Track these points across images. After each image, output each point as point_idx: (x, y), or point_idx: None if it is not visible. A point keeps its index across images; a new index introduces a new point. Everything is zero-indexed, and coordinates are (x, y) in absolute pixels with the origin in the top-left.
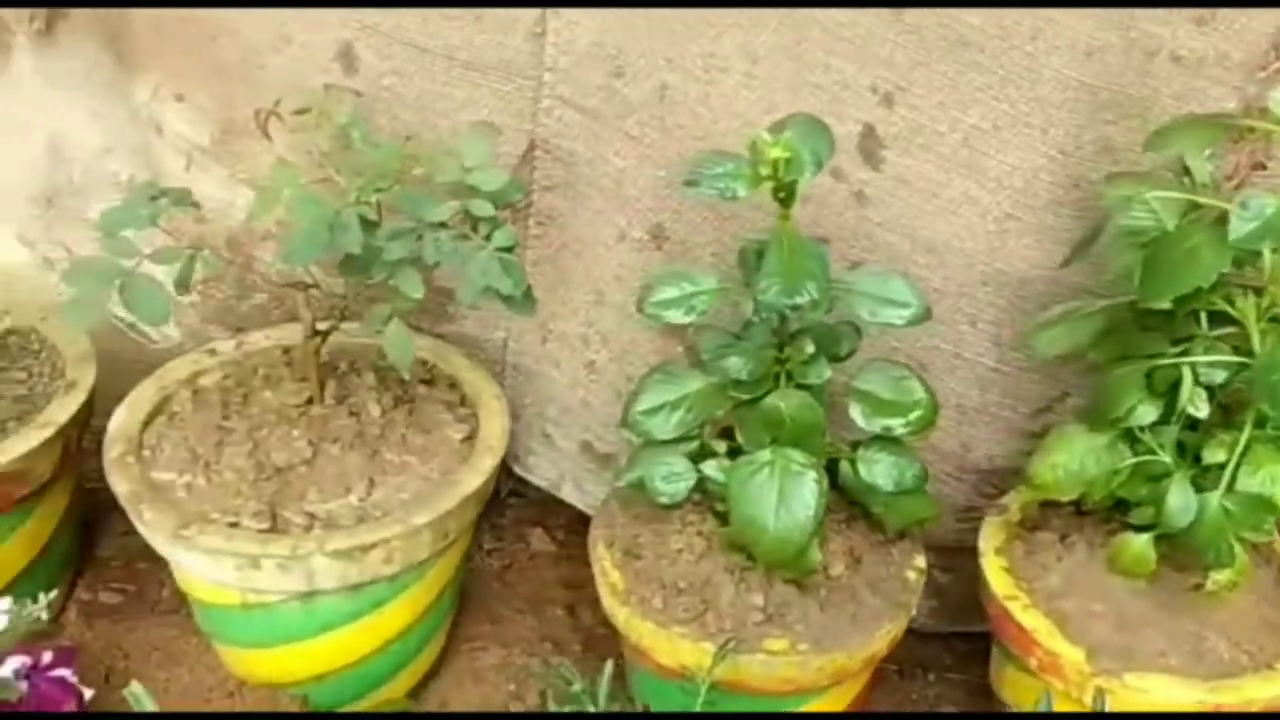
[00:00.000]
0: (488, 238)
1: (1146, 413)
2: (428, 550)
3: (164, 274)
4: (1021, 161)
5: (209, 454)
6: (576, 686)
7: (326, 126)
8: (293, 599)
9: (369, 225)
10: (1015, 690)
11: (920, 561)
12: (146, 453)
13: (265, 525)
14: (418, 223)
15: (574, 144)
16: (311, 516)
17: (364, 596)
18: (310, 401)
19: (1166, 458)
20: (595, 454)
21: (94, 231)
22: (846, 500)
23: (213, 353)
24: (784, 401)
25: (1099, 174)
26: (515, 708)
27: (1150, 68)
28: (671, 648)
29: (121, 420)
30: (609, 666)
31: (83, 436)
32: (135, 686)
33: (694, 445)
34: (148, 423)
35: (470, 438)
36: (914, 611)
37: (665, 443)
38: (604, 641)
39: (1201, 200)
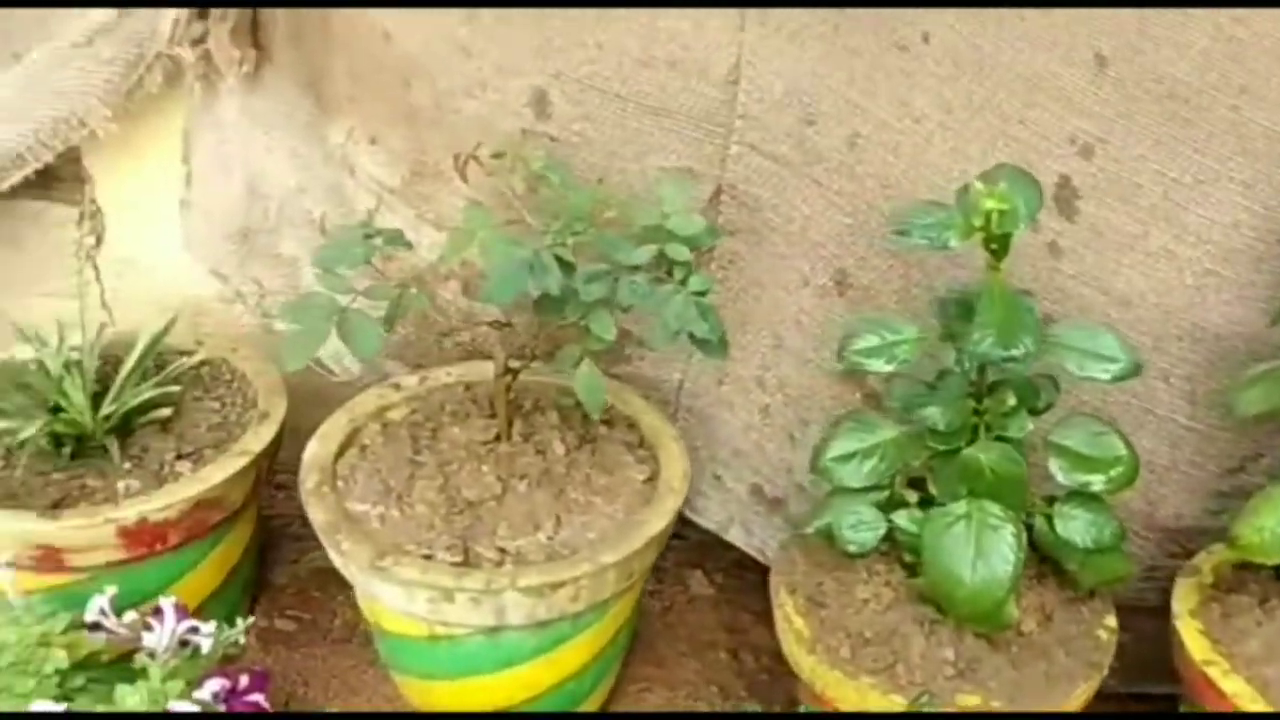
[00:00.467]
0: (683, 282)
1: None
2: (611, 590)
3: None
4: (1223, 216)
5: (401, 487)
6: None
7: (521, 170)
8: (480, 633)
9: (566, 267)
10: None
11: (1111, 621)
12: (340, 484)
13: (458, 559)
14: (613, 266)
15: (760, 190)
16: (502, 552)
17: (548, 633)
18: (498, 438)
19: None
20: (765, 498)
21: (285, 268)
22: (1037, 556)
23: (397, 387)
24: (984, 454)
25: None
26: None
27: None
28: (860, 698)
29: (315, 451)
30: None
31: (272, 466)
32: None
33: (884, 494)
34: (339, 454)
35: (652, 479)
36: (1105, 671)
37: (854, 491)
38: (768, 687)
39: None
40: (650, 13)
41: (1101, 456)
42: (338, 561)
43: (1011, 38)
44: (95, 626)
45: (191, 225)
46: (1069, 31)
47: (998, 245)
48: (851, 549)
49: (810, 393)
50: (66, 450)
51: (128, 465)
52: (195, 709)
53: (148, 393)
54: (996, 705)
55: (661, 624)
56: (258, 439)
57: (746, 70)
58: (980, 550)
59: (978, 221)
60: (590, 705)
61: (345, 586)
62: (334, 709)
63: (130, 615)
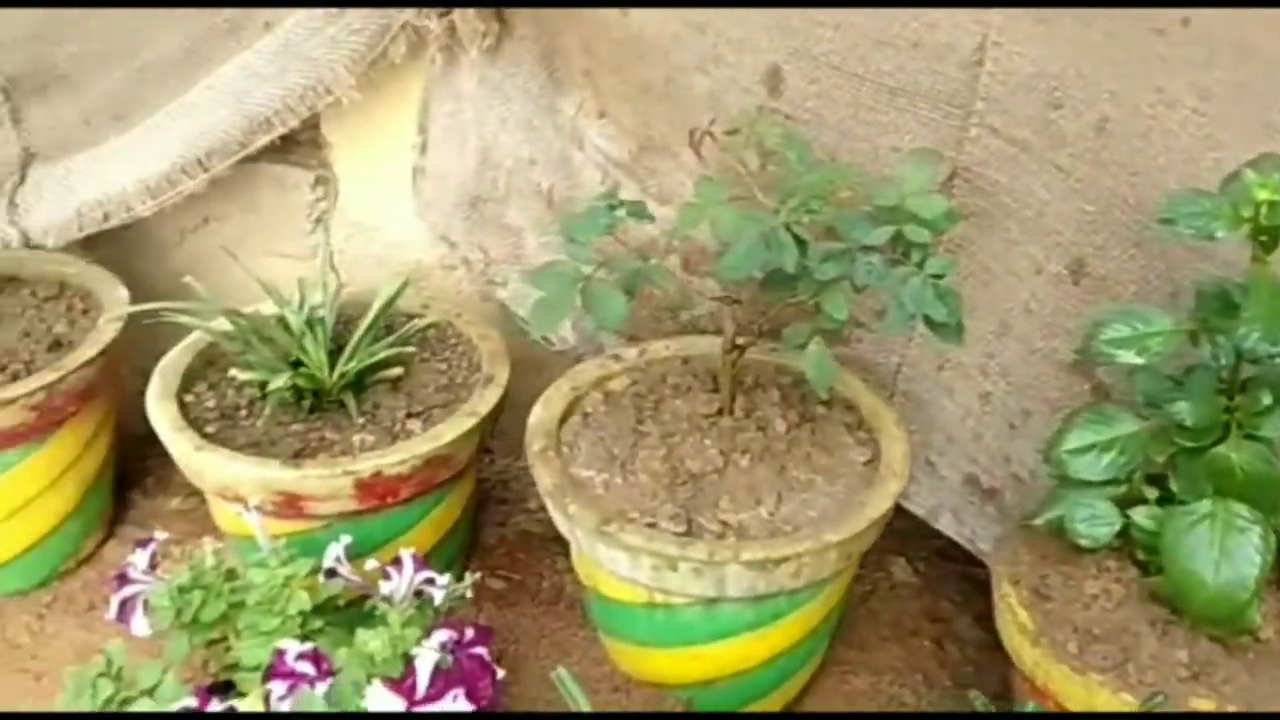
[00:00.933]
0: (919, 264)
1: None
2: (831, 569)
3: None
4: None
5: (625, 455)
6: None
7: (755, 147)
8: (698, 603)
9: (801, 244)
10: None
11: None
12: (565, 449)
13: (681, 529)
14: (849, 245)
15: (997, 174)
16: (724, 525)
17: (765, 608)
18: (720, 413)
19: None
20: (979, 487)
21: (510, 237)
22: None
23: (617, 359)
24: (1235, 452)
25: None
26: None
27: None
28: (1087, 695)
29: (540, 417)
30: None
31: (494, 429)
32: (562, 671)
33: (1121, 489)
34: (563, 420)
35: (872, 461)
36: None
37: (1089, 484)
38: (973, 678)
39: None
40: None
41: None
42: (562, 524)
43: (1274, 25)
44: (331, 573)
45: (424, 192)
46: None
47: (1267, 237)
48: (1083, 543)
49: (1035, 382)
50: (306, 404)
51: (362, 421)
52: (434, 655)
53: (382, 353)
54: (1232, 711)
55: (864, 609)
56: (484, 401)
57: (992, 51)
58: (1225, 551)
59: (1246, 212)
60: (797, 682)
61: (551, 551)
62: (544, 669)
63: (371, 563)
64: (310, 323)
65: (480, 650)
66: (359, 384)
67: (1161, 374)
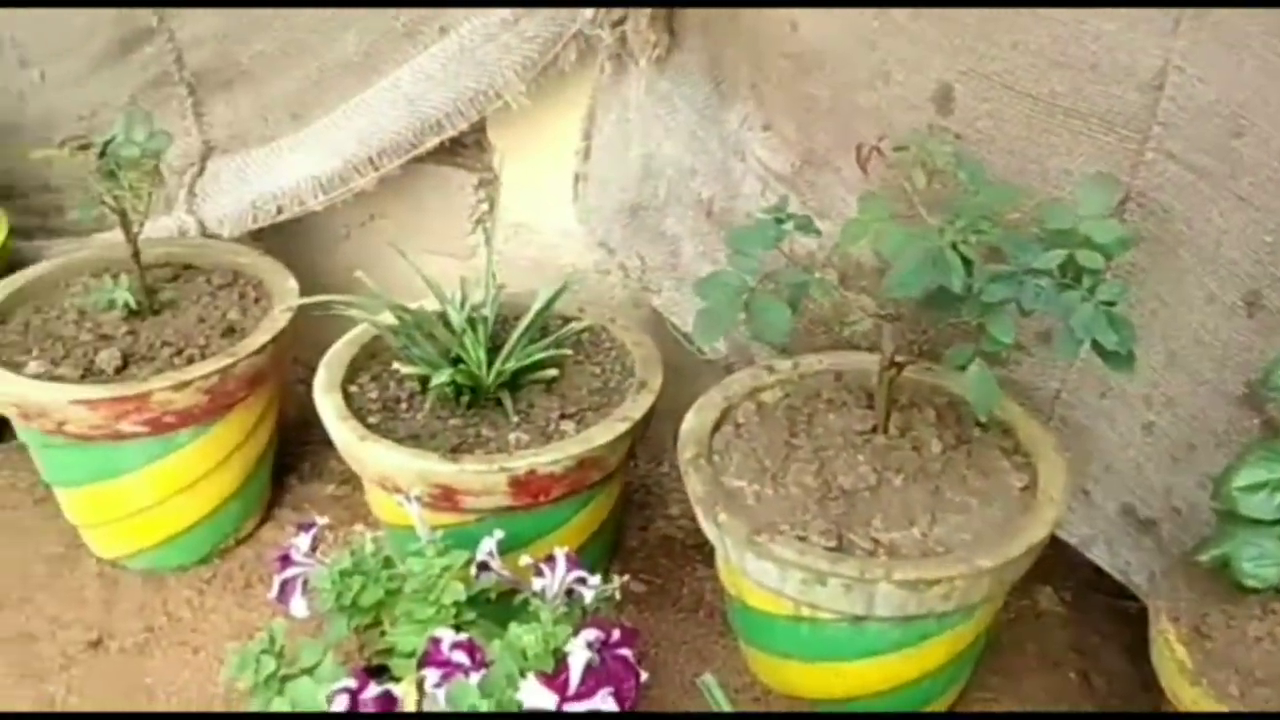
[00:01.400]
0: (1091, 290)
1: None
2: (983, 594)
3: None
4: None
5: (776, 467)
6: None
7: (924, 165)
8: (845, 620)
9: (968, 265)
10: None
11: None
12: (716, 458)
13: (832, 544)
14: (1018, 267)
15: (1172, 200)
16: (876, 543)
17: (913, 629)
18: (874, 430)
19: None
20: (1136, 518)
21: (668, 245)
22: None
23: (770, 370)
24: None
25: None
26: None
27: None
28: None
29: (692, 424)
30: None
31: (644, 434)
32: (708, 678)
33: None
34: (715, 429)
35: (1029, 487)
36: None
37: (1259, 523)
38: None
39: None
40: (1076, 13)
41: None
42: (711, 533)
43: None
44: (484, 566)
45: (585, 198)
46: None
47: None
48: (1249, 583)
49: (1201, 414)
50: (464, 400)
51: (517, 419)
52: (587, 653)
53: (539, 354)
54: None
55: (1009, 636)
56: (637, 406)
57: (1173, 76)
58: None
59: None
60: (940, 705)
61: (692, 557)
62: (684, 675)
63: (525, 559)
64: (471, 321)
65: (626, 651)
66: (515, 383)
67: None
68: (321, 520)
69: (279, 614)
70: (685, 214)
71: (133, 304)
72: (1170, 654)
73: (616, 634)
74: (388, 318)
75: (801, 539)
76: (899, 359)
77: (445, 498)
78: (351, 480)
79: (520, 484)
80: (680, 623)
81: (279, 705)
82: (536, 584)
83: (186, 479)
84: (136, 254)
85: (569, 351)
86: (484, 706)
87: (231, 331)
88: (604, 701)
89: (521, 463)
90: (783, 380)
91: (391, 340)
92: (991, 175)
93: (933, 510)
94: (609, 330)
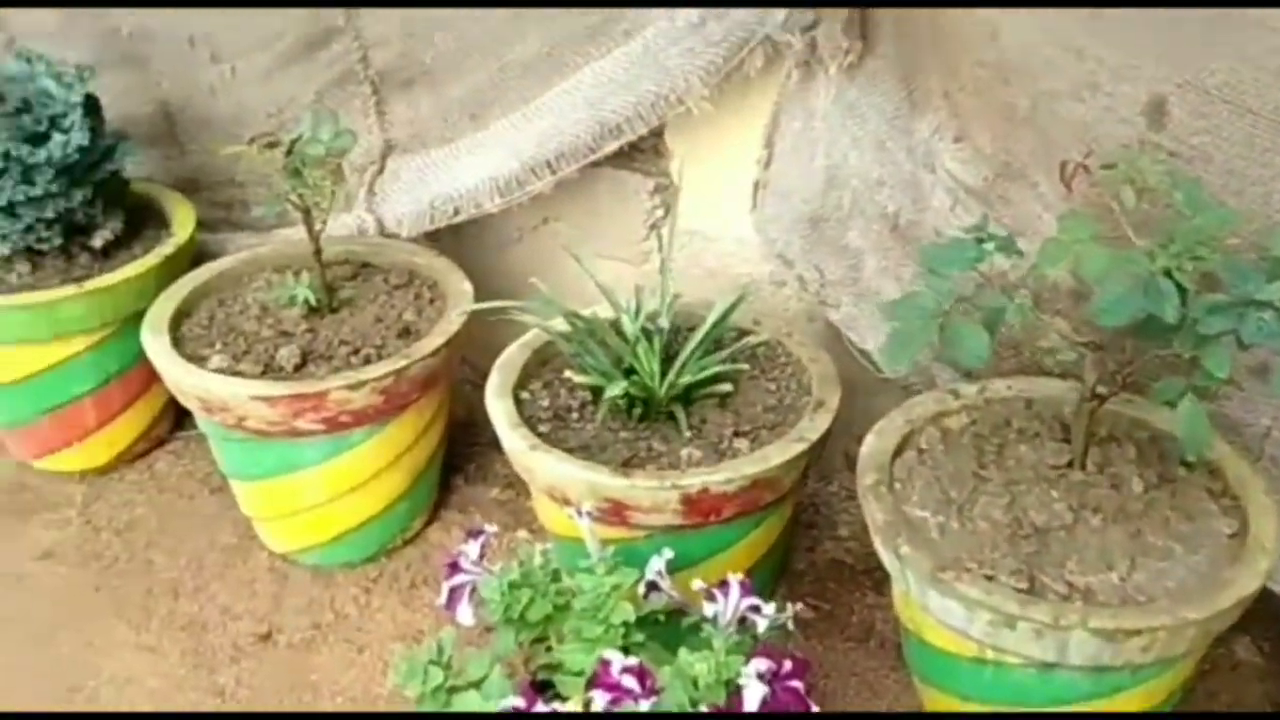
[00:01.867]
0: None
1: None
2: (1184, 647)
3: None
4: None
5: (963, 499)
6: None
7: (1133, 183)
8: (1033, 666)
9: (1182, 293)
10: None
11: None
12: (898, 485)
13: (1023, 585)
14: (1238, 297)
15: None
16: (1071, 586)
17: (1105, 680)
18: (1070, 465)
19: None
20: None
21: (849, 259)
22: None
23: (956, 395)
24: None
25: None
26: None
27: None
28: None
29: (872, 448)
30: None
31: (820, 455)
32: None
33: None
34: (897, 454)
35: (1239, 534)
36: None
37: None
38: None
39: None
40: None
41: None
42: (891, 565)
43: None
44: (653, 586)
45: (764, 208)
46: None
47: None
48: None
49: None
50: (636, 412)
51: (689, 434)
52: (762, 688)
53: (714, 368)
54: None
55: (1201, 687)
56: (814, 427)
57: None
58: None
59: None
60: None
61: (862, 583)
62: (854, 709)
63: (697, 583)
64: (645, 331)
65: (797, 684)
66: (687, 397)
67: None
68: (490, 528)
69: (443, 618)
70: (869, 227)
71: (313, 301)
72: None
73: (788, 665)
74: (560, 324)
75: (990, 578)
76: (1101, 390)
77: (614, 512)
78: (517, 485)
79: (692, 502)
80: (850, 652)
81: None
82: (708, 609)
83: (359, 477)
84: (318, 252)
85: (745, 366)
86: None
87: (407, 332)
88: None
89: (694, 481)
90: (968, 405)
91: (564, 347)
92: (1208, 196)
93: (1133, 554)
94: (785, 345)
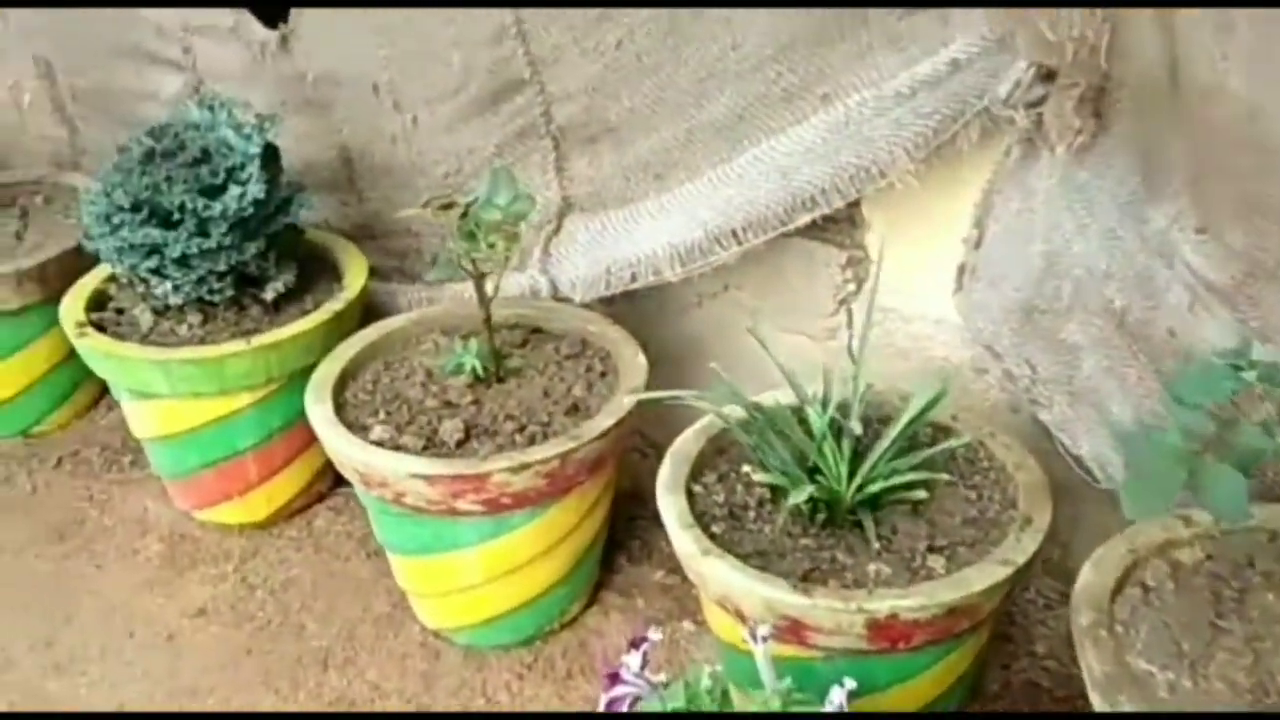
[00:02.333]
0: None
1: None
2: None
3: None
4: None
5: (1197, 653)
6: None
7: None
8: None
9: None
10: None
11: None
12: (1119, 628)
13: None
14: None
15: None
16: None
17: None
18: None
19: None
20: None
21: (1065, 355)
22: None
23: (1187, 522)
24: None
25: None
26: None
27: None
28: None
29: (1089, 582)
30: None
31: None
32: None
33: None
34: (1117, 590)
35: None
36: None
37: None
38: None
39: None
40: None
41: None
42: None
43: None
44: None
45: (971, 293)
46: None
47: None
48: None
49: None
50: (819, 516)
51: (878, 546)
52: None
53: (908, 474)
54: None
55: None
56: (1021, 549)
57: None
58: None
59: None
60: None
61: (1060, 705)
62: None
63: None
64: (833, 425)
65: None
66: (876, 501)
67: None
68: (653, 635)
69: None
70: (1091, 321)
71: (480, 372)
72: None
73: None
74: (738, 409)
75: None
76: None
77: (791, 630)
78: (682, 569)
79: (879, 628)
80: None
81: None
82: None
83: (516, 561)
84: (488, 319)
85: (945, 477)
86: None
87: (575, 409)
88: None
89: (882, 605)
90: (1202, 535)
91: (743, 438)
92: None
93: None
94: (987, 446)
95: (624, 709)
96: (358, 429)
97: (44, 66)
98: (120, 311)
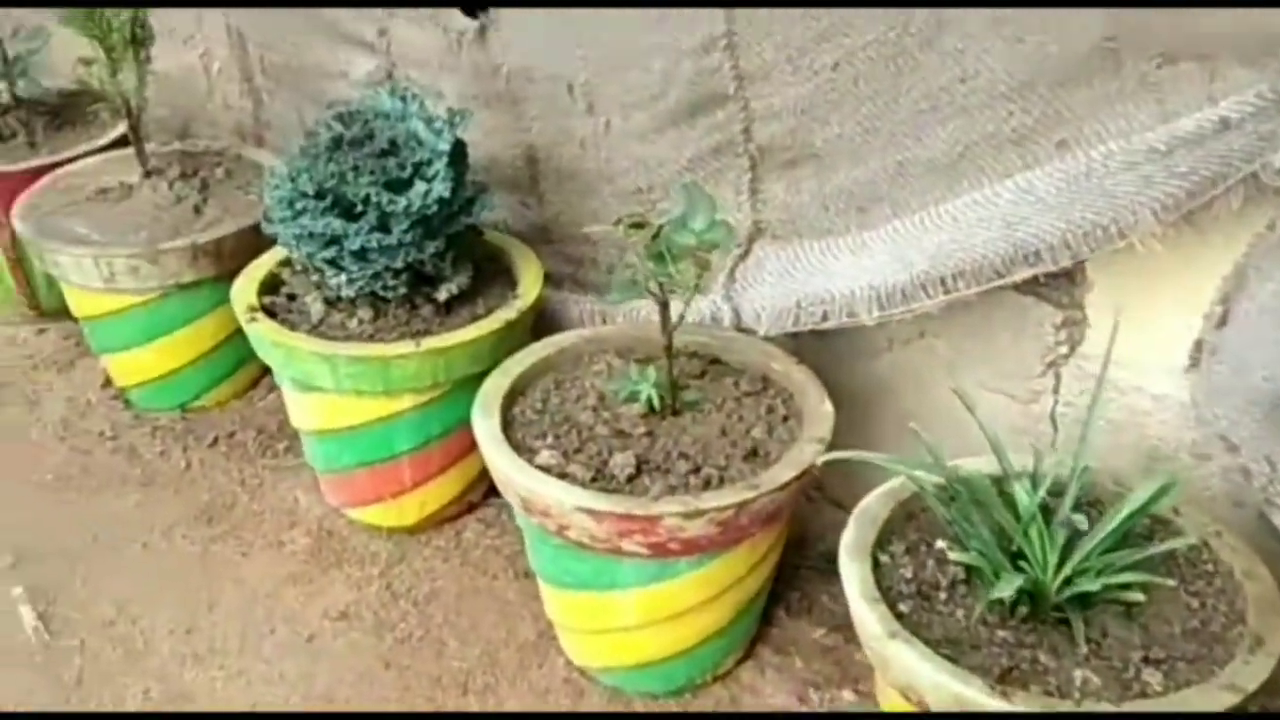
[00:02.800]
0: None
1: None
2: None
3: None
4: None
5: None
6: None
7: None
8: None
9: None
10: None
11: None
12: None
13: None
14: None
15: None
16: None
17: None
18: None
19: None
20: None
21: None
22: None
23: None
24: None
25: None
26: None
27: None
28: None
29: None
30: None
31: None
32: None
33: None
34: None
35: None
36: None
37: None
38: None
39: None
40: None
41: None
42: None
43: None
44: None
45: (1208, 375)
46: None
47: None
48: None
49: None
50: (1021, 609)
51: (1085, 651)
52: None
53: (1126, 574)
54: None
55: None
56: (1250, 674)
57: None
58: None
59: None
60: None
61: None
62: None
63: None
64: (1044, 507)
65: None
66: (1085, 599)
67: None
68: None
69: None
70: None
71: (655, 404)
72: None
73: None
74: (933, 474)
75: None
76: None
77: None
78: (845, 630)
79: None
80: None
81: None
82: None
83: (676, 608)
84: (669, 346)
85: (1168, 582)
86: None
87: (754, 454)
88: None
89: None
90: None
91: (938, 509)
92: None
93: None
94: (1211, 547)
95: None
96: (524, 450)
97: (236, 36)
98: (292, 298)
